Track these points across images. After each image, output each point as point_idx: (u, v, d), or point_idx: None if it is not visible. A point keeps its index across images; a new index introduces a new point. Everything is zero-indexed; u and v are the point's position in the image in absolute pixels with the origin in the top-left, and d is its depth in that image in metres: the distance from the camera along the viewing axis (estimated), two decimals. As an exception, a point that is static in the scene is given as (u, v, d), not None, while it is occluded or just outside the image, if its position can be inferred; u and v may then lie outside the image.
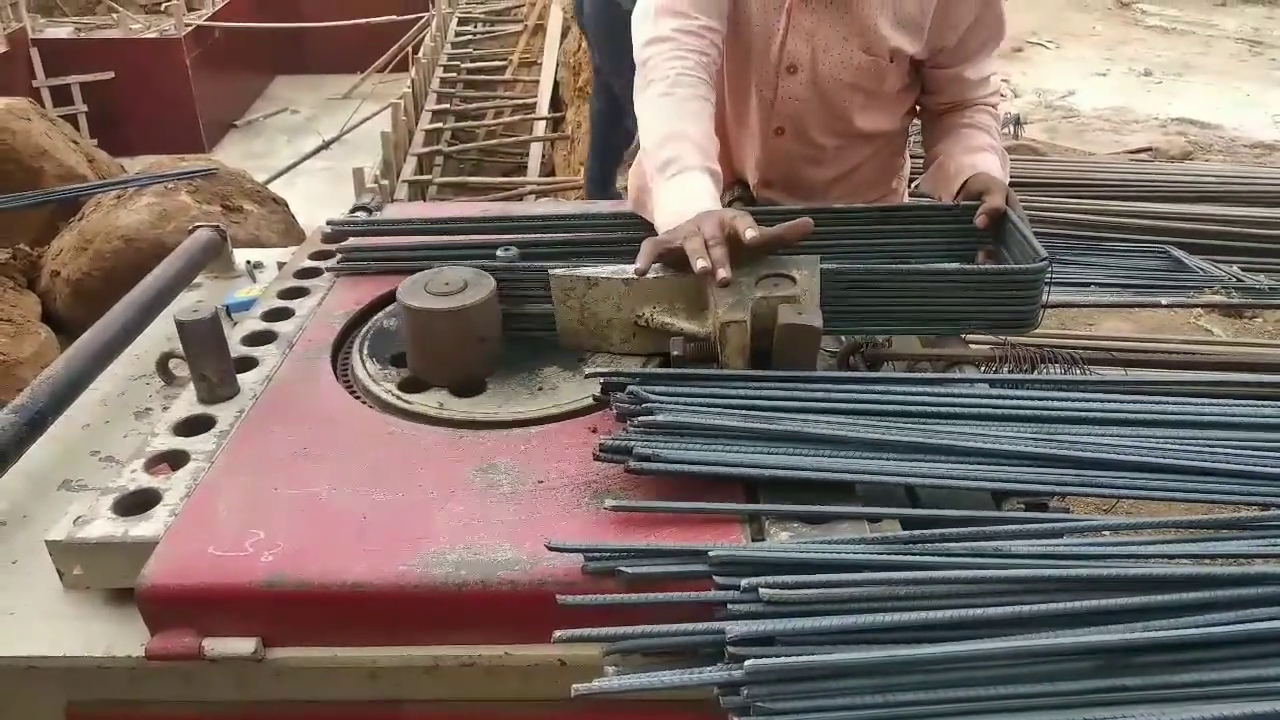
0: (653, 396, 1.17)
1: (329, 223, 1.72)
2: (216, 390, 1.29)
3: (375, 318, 1.51)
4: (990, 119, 1.78)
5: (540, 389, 1.33)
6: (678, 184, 1.46)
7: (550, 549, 1.00)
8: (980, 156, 1.69)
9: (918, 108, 1.87)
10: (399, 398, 1.31)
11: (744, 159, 1.87)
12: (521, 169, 8.45)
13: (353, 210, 1.85)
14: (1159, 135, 5.36)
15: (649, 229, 1.59)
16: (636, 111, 1.61)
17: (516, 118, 8.96)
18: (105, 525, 1.07)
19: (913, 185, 2.14)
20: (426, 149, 8.12)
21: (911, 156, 2.08)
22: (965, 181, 1.64)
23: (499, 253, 1.48)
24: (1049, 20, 7.59)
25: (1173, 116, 5.69)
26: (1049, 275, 1.39)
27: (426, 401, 1.30)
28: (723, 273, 1.25)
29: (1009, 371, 1.38)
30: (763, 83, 1.74)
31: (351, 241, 1.66)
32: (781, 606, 0.91)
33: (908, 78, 1.76)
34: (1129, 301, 3.54)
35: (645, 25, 1.62)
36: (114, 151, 5.63)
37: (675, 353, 1.30)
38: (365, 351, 1.41)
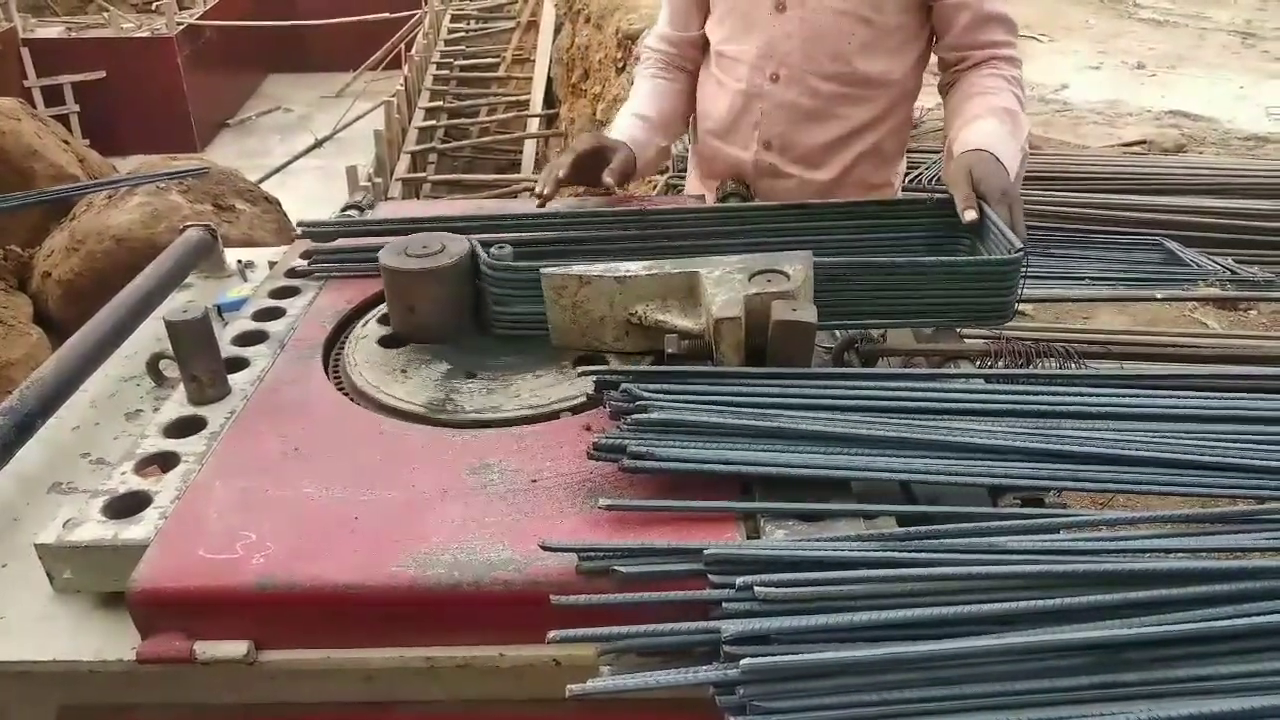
0: (647, 394, 1.16)
1: (299, 224, 1.71)
2: (207, 391, 1.28)
3: (367, 317, 1.50)
4: (1000, 79, 1.75)
5: (535, 387, 1.32)
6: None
7: (544, 549, 0.99)
8: (970, 130, 1.66)
9: (939, 72, 1.87)
10: (478, 412, 1.29)
11: (743, 122, 1.88)
12: (515, 166, 8.45)
13: (344, 209, 1.84)
14: (1152, 128, 5.36)
15: (644, 227, 1.60)
16: None
17: (510, 115, 8.98)
18: (95, 528, 1.06)
19: (909, 179, 2.15)
20: (420, 146, 8.13)
21: (909, 151, 2.08)
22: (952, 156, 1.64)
23: (492, 250, 1.47)
24: (1042, 14, 7.59)
25: (1166, 109, 5.68)
26: (1024, 267, 1.38)
27: (424, 402, 1.29)
28: (536, 188, 1.69)
29: (1004, 366, 1.38)
30: (754, 28, 1.80)
31: (340, 243, 1.65)
32: (777, 605, 0.91)
33: (911, 13, 1.76)
34: (1123, 295, 3.54)
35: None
36: (106, 151, 5.63)
37: (669, 350, 1.29)
38: (357, 351, 1.40)
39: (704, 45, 1.97)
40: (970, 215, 1.48)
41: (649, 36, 2.08)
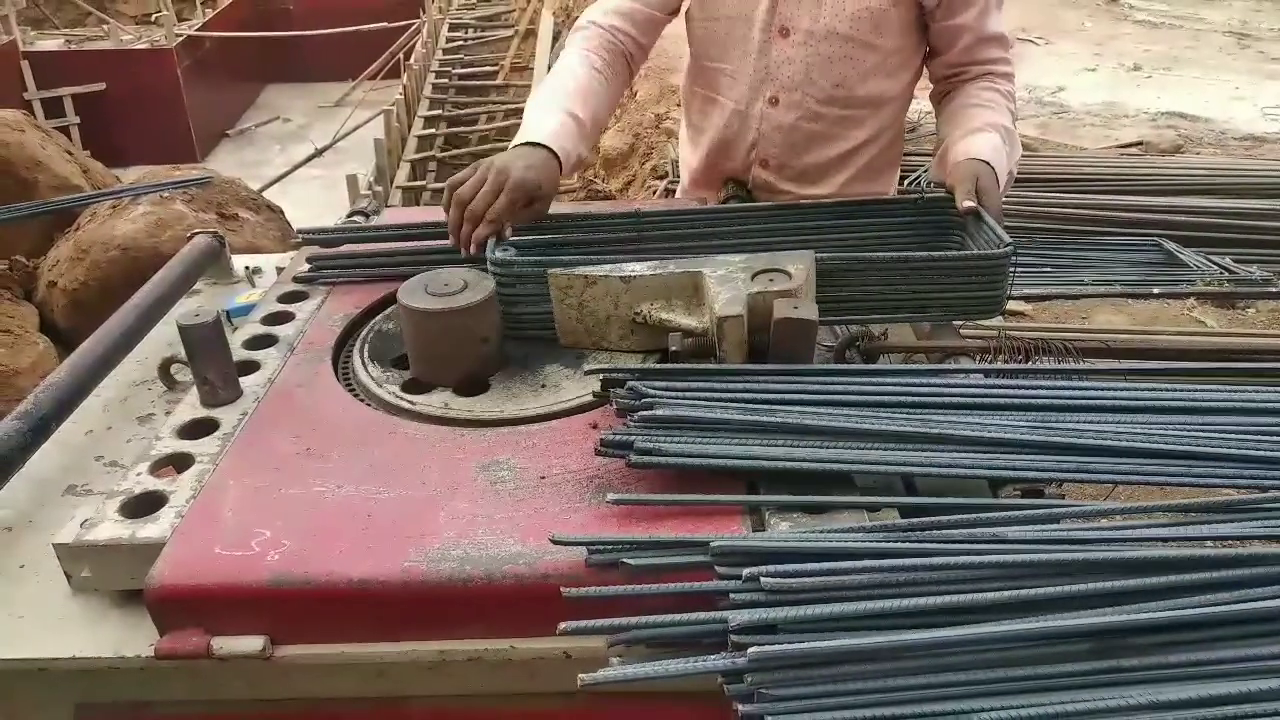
0: (652, 391, 1.18)
1: (299, 231, 1.73)
2: (219, 394, 1.30)
3: (374, 320, 1.52)
4: (997, 95, 1.76)
5: (543, 386, 1.34)
6: (533, 104, 1.68)
7: (554, 543, 1.01)
8: (974, 140, 1.67)
9: (930, 84, 1.88)
10: (400, 397, 1.32)
11: (739, 141, 1.88)
12: (515, 173, 8.44)
13: (349, 215, 1.86)
14: (1149, 129, 5.38)
15: (644, 230, 1.62)
16: None
17: (509, 122, 8.99)
18: (112, 527, 1.08)
19: (905, 183, 2.16)
20: (420, 155, 8.15)
21: (905, 154, 2.10)
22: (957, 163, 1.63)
23: (497, 253, 1.48)
24: (1038, 17, 7.62)
25: (1162, 110, 5.71)
26: (1014, 262, 1.41)
27: (430, 402, 1.31)
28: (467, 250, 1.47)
29: (1004, 362, 1.40)
30: (754, 49, 1.78)
31: (344, 249, 1.67)
32: (783, 595, 0.92)
33: (910, 35, 1.77)
34: (1121, 292, 3.55)
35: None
36: (107, 163, 5.64)
37: (673, 348, 1.31)
38: (366, 353, 1.43)
39: (660, 30, 1.88)
40: (969, 204, 1.51)
41: (594, 9, 1.84)
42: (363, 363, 1.41)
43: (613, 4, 1.83)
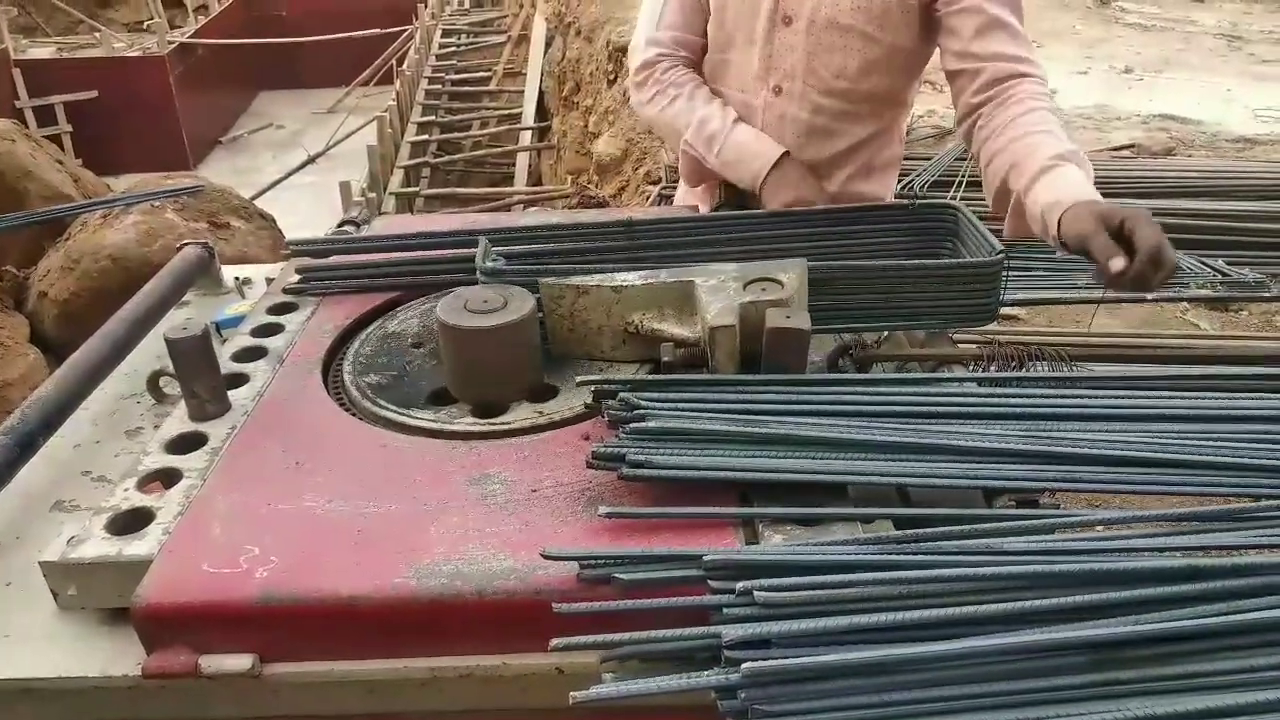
0: (644, 403, 1.18)
1: (289, 243, 1.72)
2: (208, 407, 1.29)
3: (367, 330, 1.51)
4: (1044, 113, 1.61)
5: (601, 371, 1.35)
6: (735, 140, 1.83)
7: (545, 557, 1.00)
8: (1062, 181, 1.50)
9: (955, 109, 1.84)
10: (491, 424, 1.27)
11: None
12: (508, 179, 8.47)
13: (340, 225, 1.86)
14: (1141, 132, 5.38)
15: (636, 239, 1.61)
16: (649, 120, 2.00)
17: (502, 128, 9.01)
18: (99, 545, 1.07)
19: (901, 185, 2.15)
20: (413, 161, 8.15)
21: (906, 157, 2.09)
22: (1060, 221, 1.46)
23: (487, 263, 1.48)
24: (1029, 20, 7.63)
25: (1154, 113, 5.70)
26: (1006, 268, 1.41)
27: (521, 416, 1.28)
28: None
29: (996, 370, 1.39)
30: (758, 39, 1.80)
31: (334, 259, 1.66)
32: (776, 609, 0.92)
33: (911, 34, 1.76)
34: (1114, 296, 3.54)
35: (635, 57, 1.98)
36: (99, 170, 5.63)
37: (665, 358, 1.30)
38: (357, 366, 1.41)
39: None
40: (1119, 264, 1.37)
41: (649, 47, 1.93)
42: (353, 376, 1.40)
43: (661, 35, 1.92)
